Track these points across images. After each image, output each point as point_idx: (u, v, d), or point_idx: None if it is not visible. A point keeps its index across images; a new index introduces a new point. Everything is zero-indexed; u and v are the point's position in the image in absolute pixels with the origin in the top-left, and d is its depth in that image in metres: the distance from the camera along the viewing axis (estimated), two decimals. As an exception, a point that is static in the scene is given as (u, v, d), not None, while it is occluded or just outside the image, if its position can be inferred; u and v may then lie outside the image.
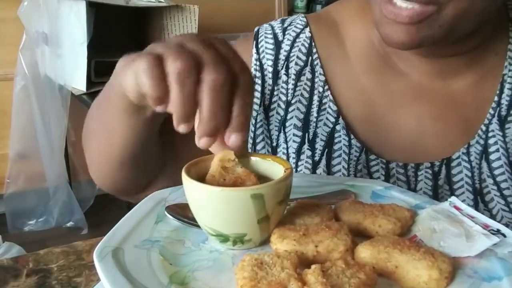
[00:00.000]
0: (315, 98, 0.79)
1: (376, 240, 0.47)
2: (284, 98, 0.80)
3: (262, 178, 0.54)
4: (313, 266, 0.42)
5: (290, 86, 0.80)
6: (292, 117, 0.79)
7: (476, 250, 0.47)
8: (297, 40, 0.81)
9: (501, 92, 0.76)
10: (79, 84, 2.11)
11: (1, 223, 2.44)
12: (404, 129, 0.77)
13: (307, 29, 0.82)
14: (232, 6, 2.72)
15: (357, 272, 0.42)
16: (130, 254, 0.47)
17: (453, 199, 0.55)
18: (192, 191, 0.49)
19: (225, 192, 0.47)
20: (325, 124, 0.78)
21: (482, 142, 0.75)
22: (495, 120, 0.75)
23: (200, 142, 0.49)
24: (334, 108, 0.78)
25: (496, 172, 0.74)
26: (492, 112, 0.76)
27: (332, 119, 0.78)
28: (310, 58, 0.81)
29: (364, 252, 0.46)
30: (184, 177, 0.49)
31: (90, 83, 2.09)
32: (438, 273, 0.43)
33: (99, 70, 2.10)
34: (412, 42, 0.65)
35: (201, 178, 0.51)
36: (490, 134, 0.75)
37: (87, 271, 0.75)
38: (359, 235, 0.51)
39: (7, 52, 2.38)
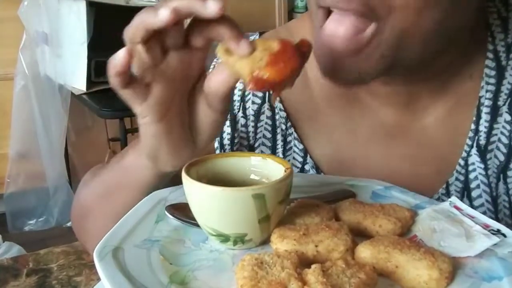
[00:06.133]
0: (279, 137, 0.72)
1: (376, 240, 0.47)
2: (246, 143, 0.74)
3: (262, 178, 0.54)
4: (313, 266, 0.42)
5: (250, 128, 0.73)
6: None
7: (476, 250, 0.47)
8: None
9: (478, 117, 0.66)
10: (79, 84, 2.11)
11: (1, 223, 2.44)
12: (374, 171, 0.68)
13: None
14: (232, 6, 2.70)
15: (357, 272, 0.42)
16: (130, 253, 0.47)
17: (453, 199, 0.55)
18: (192, 191, 0.49)
19: (226, 192, 0.47)
20: (293, 165, 0.71)
21: (462, 178, 0.67)
22: (474, 151, 0.66)
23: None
24: (300, 146, 0.71)
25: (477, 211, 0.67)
26: (469, 142, 0.67)
27: (300, 159, 0.71)
28: (267, 93, 0.72)
29: (364, 252, 0.46)
30: (184, 177, 0.49)
31: (90, 83, 2.09)
32: (438, 273, 0.43)
33: (99, 70, 2.10)
34: (349, 76, 0.56)
35: (201, 178, 0.51)
36: (470, 168, 0.67)
37: (87, 271, 0.75)
38: (359, 235, 0.51)
39: (7, 52, 2.38)
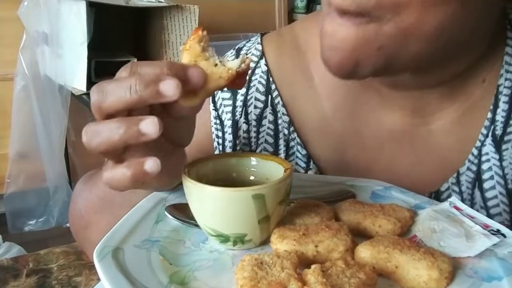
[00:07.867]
0: (281, 142, 0.70)
1: (376, 240, 0.47)
2: (247, 149, 0.72)
3: (262, 178, 0.54)
4: (313, 266, 0.42)
5: (252, 134, 0.71)
6: None
7: (476, 250, 0.47)
8: (253, 78, 0.71)
9: (496, 106, 0.64)
10: (79, 84, 2.11)
11: (1, 223, 2.44)
12: (380, 178, 0.65)
13: (263, 61, 0.71)
14: (232, 6, 2.72)
15: (357, 272, 0.42)
16: (130, 254, 0.47)
17: (453, 199, 0.55)
18: (192, 191, 0.49)
19: (226, 192, 0.47)
20: (296, 170, 0.69)
21: (474, 168, 0.65)
22: (489, 140, 0.64)
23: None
24: (304, 152, 0.69)
25: (489, 203, 0.65)
26: (484, 132, 0.64)
27: (303, 164, 0.70)
28: (269, 96, 0.70)
29: (364, 252, 0.46)
30: (184, 177, 0.49)
31: (90, 83, 2.09)
32: (438, 273, 0.43)
33: (99, 70, 2.10)
34: (347, 68, 0.54)
35: (201, 178, 0.51)
36: (483, 158, 0.65)
37: (87, 271, 0.75)
38: (359, 235, 0.51)
39: (7, 52, 2.38)
